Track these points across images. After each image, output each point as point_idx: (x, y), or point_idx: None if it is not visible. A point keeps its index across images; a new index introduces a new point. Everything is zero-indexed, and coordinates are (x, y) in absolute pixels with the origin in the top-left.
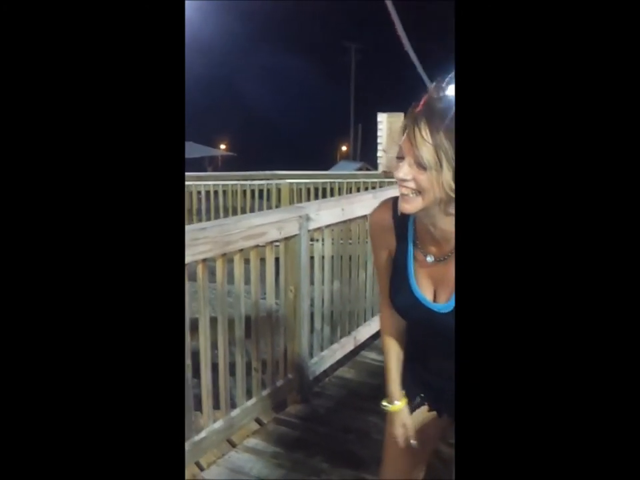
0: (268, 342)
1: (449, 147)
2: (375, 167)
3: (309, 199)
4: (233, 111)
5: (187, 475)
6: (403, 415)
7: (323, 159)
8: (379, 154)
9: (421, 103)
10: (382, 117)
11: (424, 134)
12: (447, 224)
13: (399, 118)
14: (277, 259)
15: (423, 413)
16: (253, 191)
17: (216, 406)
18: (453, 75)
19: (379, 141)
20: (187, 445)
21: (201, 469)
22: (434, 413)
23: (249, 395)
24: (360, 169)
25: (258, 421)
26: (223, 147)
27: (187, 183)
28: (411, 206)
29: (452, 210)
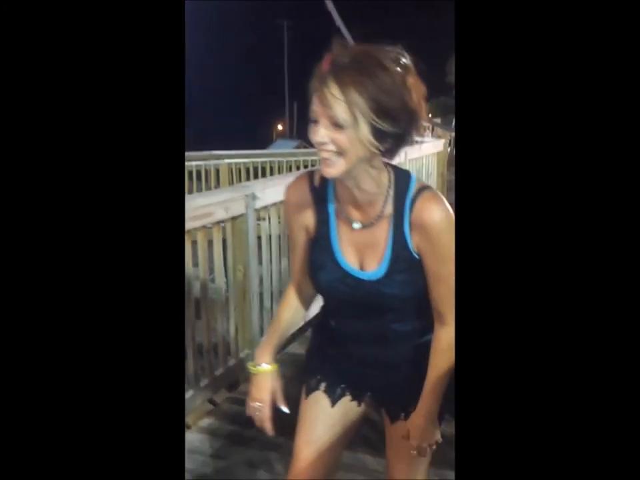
0: (218, 322)
1: (361, 102)
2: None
3: (248, 179)
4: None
5: None
6: (271, 380)
7: (259, 138)
8: None
9: (326, 61)
10: None
11: (334, 92)
12: (371, 185)
13: None
14: (224, 240)
15: (345, 403)
16: (190, 172)
17: None
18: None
19: None
20: None
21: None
22: (355, 402)
23: (201, 376)
24: (298, 147)
25: (212, 401)
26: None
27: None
28: (333, 169)
29: (376, 165)
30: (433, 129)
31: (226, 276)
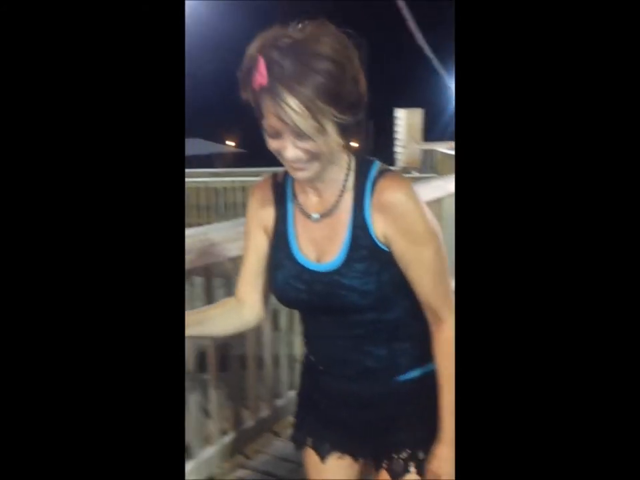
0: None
1: (321, 104)
2: (389, 162)
3: None
4: (242, 107)
5: (233, 464)
6: None
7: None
8: (398, 149)
9: (260, 72)
10: (399, 113)
11: (290, 103)
12: (330, 172)
13: (416, 113)
14: None
15: (335, 460)
16: None
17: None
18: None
19: (397, 136)
20: (234, 434)
21: (247, 458)
22: (346, 457)
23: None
24: None
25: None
26: (232, 143)
27: (202, 179)
28: (306, 172)
29: (339, 158)
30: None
31: None
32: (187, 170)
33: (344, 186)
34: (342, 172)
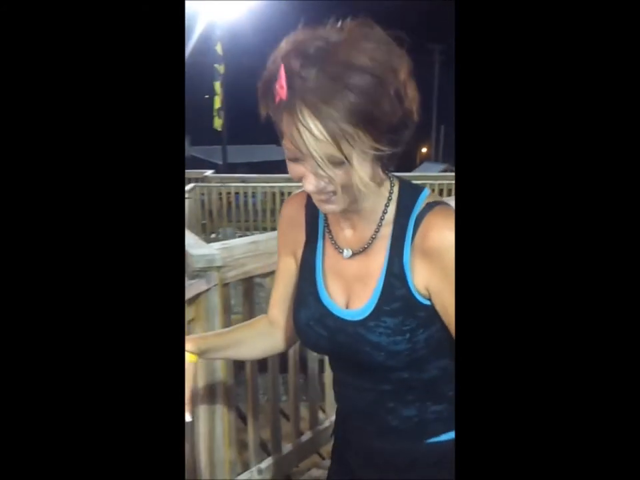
0: None
1: (352, 129)
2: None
3: None
4: None
5: (309, 463)
6: (188, 370)
7: (401, 161)
8: None
9: (279, 84)
10: None
11: (312, 128)
12: (372, 201)
13: None
14: None
15: None
16: None
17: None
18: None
19: None
20: (309, 435)
21: (322, 458)
22: None
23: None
24: (445, 171)
25: None
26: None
27: (277, 184)
28: (334, 205)
29: (376, 177)
30: None
31: None
32: (261, 175)
33: (382, 219)
34: (382, 200)
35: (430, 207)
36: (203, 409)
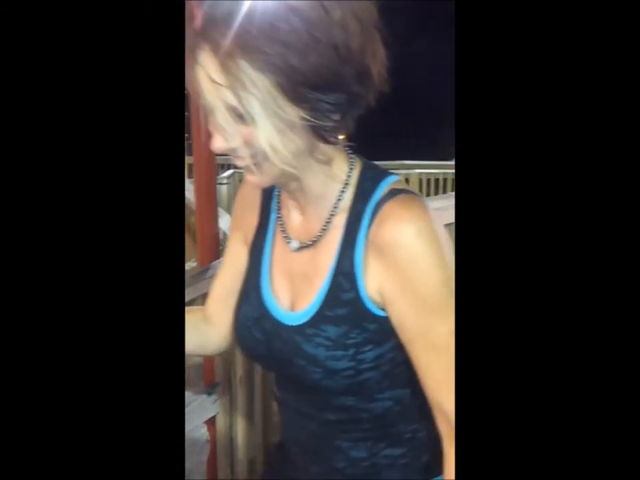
0: None
1: (253, 74)
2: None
3: (442, 191)
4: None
5: None
6: None
7: (441, 149)
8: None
9: (199, 21)
10: None
11: (209, 69)
12: (322, 182)
13: None
14: None
15: None
16: None
17: None
18: None
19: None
20: None
21: None
22: None
23: None
24: None
25: None
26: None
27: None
28: (257, 176)
29: (322, 155)
30: None
31: None
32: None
33: (336, 206)
34: (334, 184)
35: (392, 194)
36: (240, 393)
